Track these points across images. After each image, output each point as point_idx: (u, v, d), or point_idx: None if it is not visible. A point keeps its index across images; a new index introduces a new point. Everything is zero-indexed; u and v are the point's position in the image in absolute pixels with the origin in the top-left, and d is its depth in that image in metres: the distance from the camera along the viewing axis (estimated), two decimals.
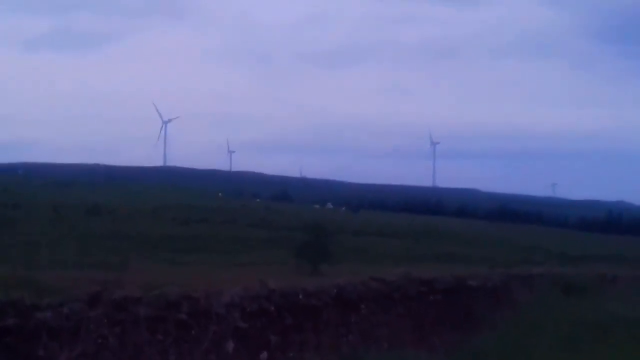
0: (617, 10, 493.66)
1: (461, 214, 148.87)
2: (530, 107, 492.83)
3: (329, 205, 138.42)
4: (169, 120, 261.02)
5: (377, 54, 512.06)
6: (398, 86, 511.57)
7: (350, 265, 40.27)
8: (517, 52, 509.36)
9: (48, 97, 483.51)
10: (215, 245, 55.58)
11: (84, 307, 8.02)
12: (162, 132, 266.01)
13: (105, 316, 8.16)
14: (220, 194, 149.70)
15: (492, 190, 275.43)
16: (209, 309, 9.48)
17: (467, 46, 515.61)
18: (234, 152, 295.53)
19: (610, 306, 22.54)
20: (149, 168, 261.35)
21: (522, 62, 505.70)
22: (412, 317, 14.86)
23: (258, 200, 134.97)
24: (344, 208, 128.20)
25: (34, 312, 7.62)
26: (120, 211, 78.38)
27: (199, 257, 45.49)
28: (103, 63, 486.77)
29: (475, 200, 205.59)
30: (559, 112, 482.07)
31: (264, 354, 10.33)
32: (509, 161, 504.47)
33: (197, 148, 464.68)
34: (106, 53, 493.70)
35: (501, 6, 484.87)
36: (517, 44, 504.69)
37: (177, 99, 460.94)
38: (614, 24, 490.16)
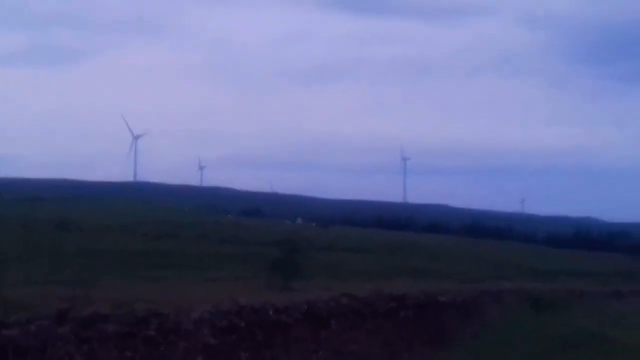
0: (592, 32, 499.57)
1: (431, 230, 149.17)
2: (502, 125, 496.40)
3: (299, 221, 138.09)
4: (139, 136, 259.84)
5: (353, 71, 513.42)
6: (372, 103, 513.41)
7: (322, 281, 40.15)
8: (492, 71, 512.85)
9: (19, 112, 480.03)
10: (186, 261, 55.17)
11: (52, 325, 7.94)
12: (133, 147, 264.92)
13: (72, 334, 8.08)
14: (186, 208, 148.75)
15: (462, 206, 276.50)
16: (178, 325, 9.43)
17: (443, 65, 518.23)
18: (204, 167, 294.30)
19: (578, 322, 22.72)
20: (119, 183, 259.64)
21: (497, 81, 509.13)
22: (382, 333, 14.87)
23: (229, 215, 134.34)
24: (314, 224, 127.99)
25: (1, 329, 7.54)
26: (90, 226, 77.76)
27: (170, 273, 45.13)
28: (78, 79, 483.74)
29: (445, 215, 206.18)
30: (531, 129, 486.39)
31: None
32: (479, 177, 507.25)
33: (169, 164, 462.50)
34: (82, 69, 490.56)
35: (478, 25, 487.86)
36: (493, 63, 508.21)
37: (151, 115, 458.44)
38: (589, 44, 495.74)
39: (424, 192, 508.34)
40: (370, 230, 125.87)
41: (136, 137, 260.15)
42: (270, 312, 11.25)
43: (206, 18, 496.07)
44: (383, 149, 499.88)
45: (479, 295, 23.84)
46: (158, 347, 9.09)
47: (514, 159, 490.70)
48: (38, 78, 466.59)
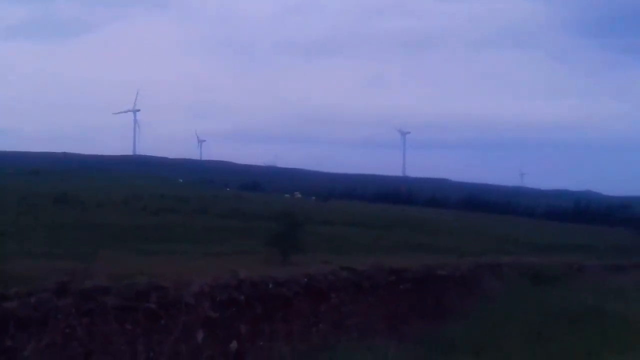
0: (595, 4, 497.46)
1: (431, 204, 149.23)
2: (503, 98, 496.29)
3: (297, 195, 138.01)
4: (138, 110, 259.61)
5: (356, 45, 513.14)
6: (374, 77, 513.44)
7: (321, 254, 40.20)
8: (495, 44, 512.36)
9: (20, 85, 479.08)
10: (186, 235, 55.23)
11: (52, 297, 7.95)
12: (133, 120, 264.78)
13: (73, 306, 8.09)
14: (181, 180, 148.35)
15: (462, 180, 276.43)
16: (178, 298, 9.44)
17: (446, 38, 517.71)
18: (204, 141, 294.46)
19: (578, 296, 22.74)
20: (119, 157, 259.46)
21: (500, 54, 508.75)
22: (382, 306, 14.90)
23: (228, 189, 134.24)
24: (313, 197, 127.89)
25: (1, 302, 7.54)
26: (89, 200, 77.75)
27: (170, 247, 45.20)
28: (80, 52, 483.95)
29: (445, 190, 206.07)
30: (532, 103, 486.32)
31: (234, 344, 10.31)
32: (479, 151, 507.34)
33: (168, 137, 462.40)
34: (84, 42, 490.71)
35: None
36: (496, 36, 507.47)
37: (152, 88, 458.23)
38: (591, 17, 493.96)
39: (423, 166, 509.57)
40: (369, 205, 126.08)
41: (135, 111, 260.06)
42: (270, 286, 11.26)
43: None
44: (383, 122, 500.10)
45: (478, 269, 23.83)
46: (159, 321, 9.11)
47: (514, 132, 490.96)
48: (39, 51, 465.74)
